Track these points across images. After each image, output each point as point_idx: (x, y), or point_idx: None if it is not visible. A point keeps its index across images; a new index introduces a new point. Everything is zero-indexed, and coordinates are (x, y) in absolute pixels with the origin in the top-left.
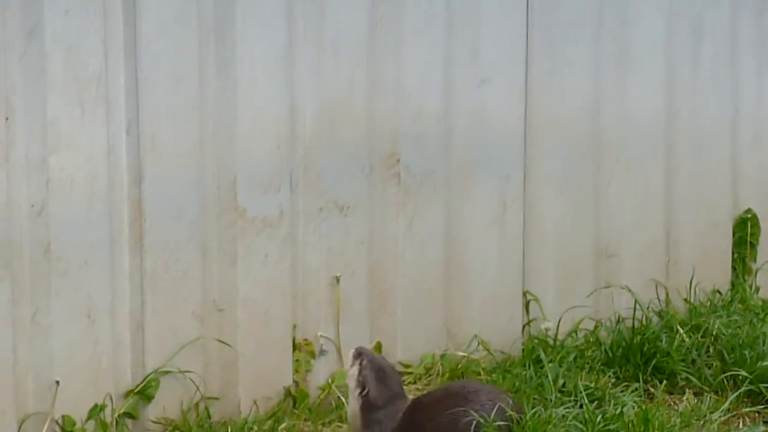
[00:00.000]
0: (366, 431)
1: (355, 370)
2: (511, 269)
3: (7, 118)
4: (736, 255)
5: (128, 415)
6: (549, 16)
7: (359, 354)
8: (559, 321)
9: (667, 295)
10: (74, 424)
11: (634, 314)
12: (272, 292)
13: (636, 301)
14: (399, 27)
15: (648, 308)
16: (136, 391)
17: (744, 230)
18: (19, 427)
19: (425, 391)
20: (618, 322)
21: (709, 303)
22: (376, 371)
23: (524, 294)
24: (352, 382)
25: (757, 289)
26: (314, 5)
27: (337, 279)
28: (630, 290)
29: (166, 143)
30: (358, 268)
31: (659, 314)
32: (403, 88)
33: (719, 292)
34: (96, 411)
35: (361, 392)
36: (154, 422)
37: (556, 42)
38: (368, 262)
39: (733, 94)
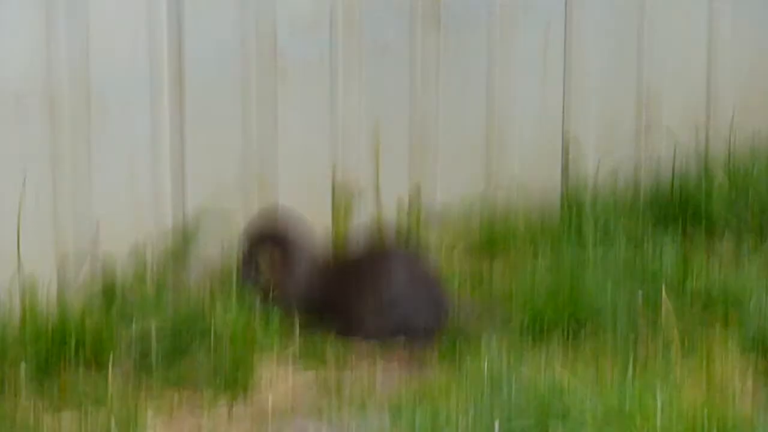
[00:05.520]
0: None
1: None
2: (552, 113)
3: None
4: None
5: (169, 255)
6: None
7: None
8: (599, 165)
9: (707, 138)
10: (115, 264)
11: (674, 157)
12: (312, 136)
13: (676, 146)
14: None
15: (688, 153)
16: (176, 232)
17: None
18: (59, 269)
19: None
20: (658, 166)
21: (750, 147)
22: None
23: (564, 138)
24: None
25: None
26: None
27: (376, 124)
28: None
29: None
30: (399, 112)
31: (699, 158)
32: None
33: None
34: (137, 252)
35: None
36: (195, 262)
37: None
38: (409, 107)
39: None
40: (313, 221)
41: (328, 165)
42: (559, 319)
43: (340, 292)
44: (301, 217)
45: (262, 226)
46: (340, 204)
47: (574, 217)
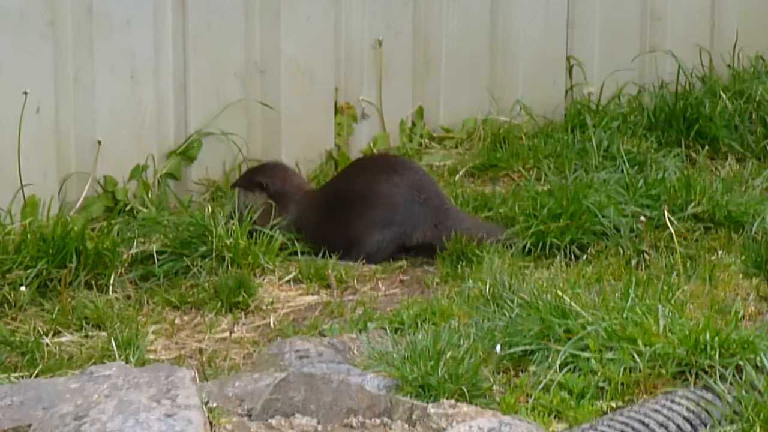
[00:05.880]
0: None
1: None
2: (556, 33)
3: None
4: None
5: (170, 175)
6: None
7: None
8: (602, 86)
9: (710, 60)
10: (116, 184)
11: (677, 79)
12: (315, 54)
13: (680, 66)
14: None
15: (692, 74)
16: (178, 151)
17: None
18: (61, 187)
19: (465, 156)
20: (661, 87)
21: (752, 69)
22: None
23: (568, 58)
24: None
25: None
26: None
27: (380, 42)
28: (674, 55)
29: None
30: (402, 30)
31: (702, 80)
32: None
33: (762, 59)
34: (138, 171)
35: None
36: (196, 183)
37: None
38: (412, 25)
39: None
40: (316, 145)
41: (331, 86)
42: (561, 241)
43: (339, 216)
44: (291, 168)
45: (252, 176)
46: (343, 127)
47: (578, 138)
